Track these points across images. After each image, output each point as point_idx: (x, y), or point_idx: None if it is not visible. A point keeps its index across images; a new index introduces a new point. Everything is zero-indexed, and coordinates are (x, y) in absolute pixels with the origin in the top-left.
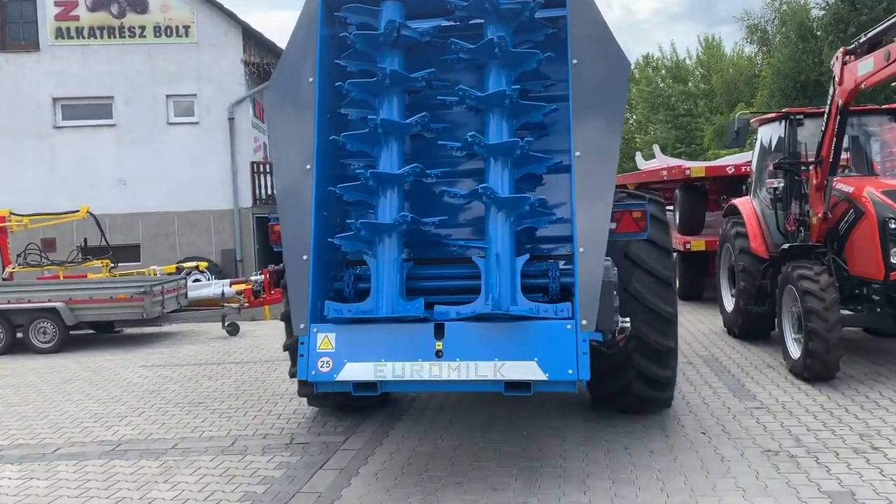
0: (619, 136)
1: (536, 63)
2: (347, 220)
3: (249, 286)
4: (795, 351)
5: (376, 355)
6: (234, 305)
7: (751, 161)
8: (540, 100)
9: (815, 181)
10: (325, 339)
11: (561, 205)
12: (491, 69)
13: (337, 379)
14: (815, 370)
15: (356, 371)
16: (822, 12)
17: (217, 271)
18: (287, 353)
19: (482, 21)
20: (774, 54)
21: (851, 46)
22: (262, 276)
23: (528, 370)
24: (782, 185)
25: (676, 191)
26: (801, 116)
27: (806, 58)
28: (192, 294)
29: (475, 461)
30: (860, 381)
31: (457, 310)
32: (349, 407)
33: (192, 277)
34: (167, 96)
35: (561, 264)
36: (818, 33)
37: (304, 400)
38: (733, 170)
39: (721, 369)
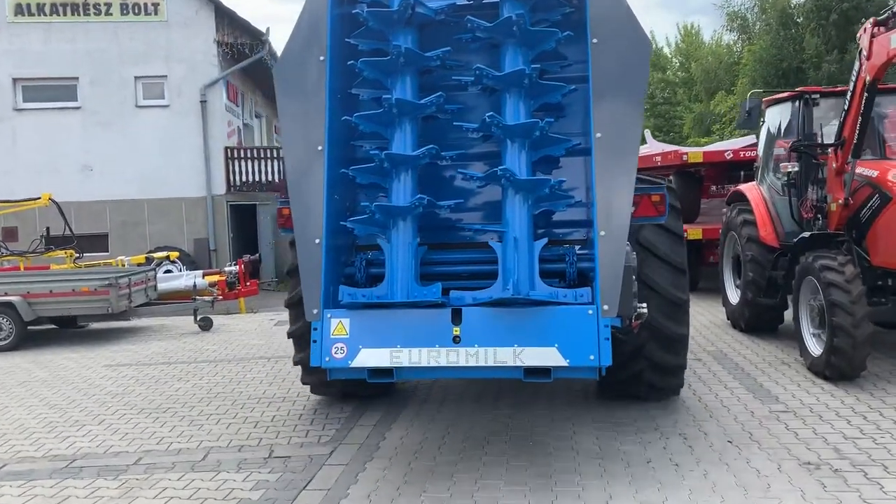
0: (642, 118)
1: (555, 42)
2: (362, 203)
3: (223, 277)
4: (815, 347)
5: (392, 341)
6: (207, 298)
7: (751, 145)
8: (555, 80)
9: (835, 164)
10: (340, 325)
11: (576, 188)
12: (508, 48)
13: (352, 365)
14: (840, 368)
15: (372, 357)
16: None
17: (189, 261)
18: (291, 339)
19: (496, 0)
20: (756, 42)
21: (882, 16)
22: (237, 266)
23: (548, 356)
24: (797, 169)
25: (671, 177)
26: (817, 95)
27: (787, 45)
28: (161, 286)
29: (480, 478)
30: (886, 379)
31: (473, 295)
32: (353, 395)
33: (164, 268)
34: (135, 78)
35: (577, 249)
36: (799, 20)
37: (284, 405)
38: (732, 155)
39: (733, 367)
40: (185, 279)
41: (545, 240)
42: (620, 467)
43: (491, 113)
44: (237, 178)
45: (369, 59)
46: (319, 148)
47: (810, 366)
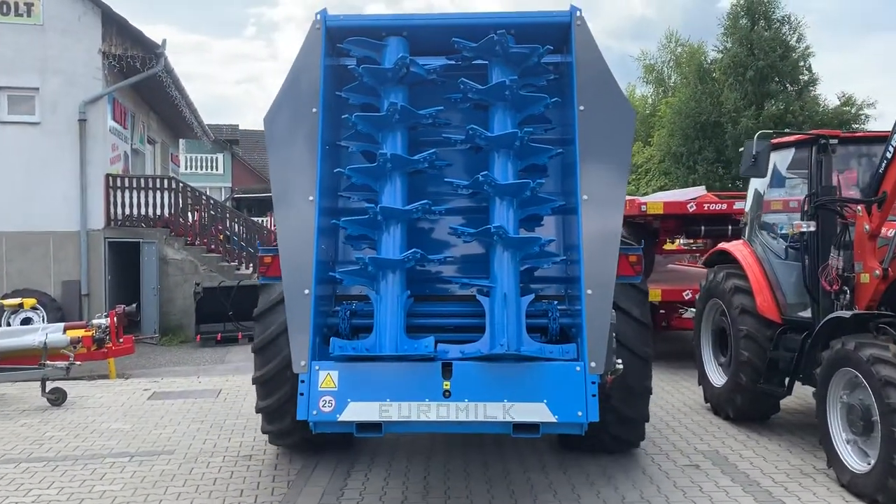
0: (626, 182)
1: (543, 107)
2: (356, 256)
3: (90, 333)
4: (854, 461)
5: (381, 395)
6: (60, 364)
7: (704, 196)
8: (539, 142)
9: (869, 225)
10: (328, 377)
11: (559, 246)
12: (497, 110)
13: (339, 419)
14: None
15: (360, 411)
16: (720, 55)
17: (56, 308)
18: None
19: (485, 62)
20: (675, 94)
21: None
22: (108, 319)
23: (537, 412)
24: (812, 229)
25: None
26: (835, 140)
27: (705, 99)
28: (0, 344)
29: None
30: None
31: (460, 349)
32: (315, 444)
33: (20, 317)
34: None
35: (556, 304)
36: (715, 76)
37: None
38: (695, 207)
39: (744, 479)
40: (37, 335)
41: (532, 295)
42: None
43: (485, 172)
44: (119, 210)
45: (364, 115)
46: (311, 198)
47: (849, 484)
